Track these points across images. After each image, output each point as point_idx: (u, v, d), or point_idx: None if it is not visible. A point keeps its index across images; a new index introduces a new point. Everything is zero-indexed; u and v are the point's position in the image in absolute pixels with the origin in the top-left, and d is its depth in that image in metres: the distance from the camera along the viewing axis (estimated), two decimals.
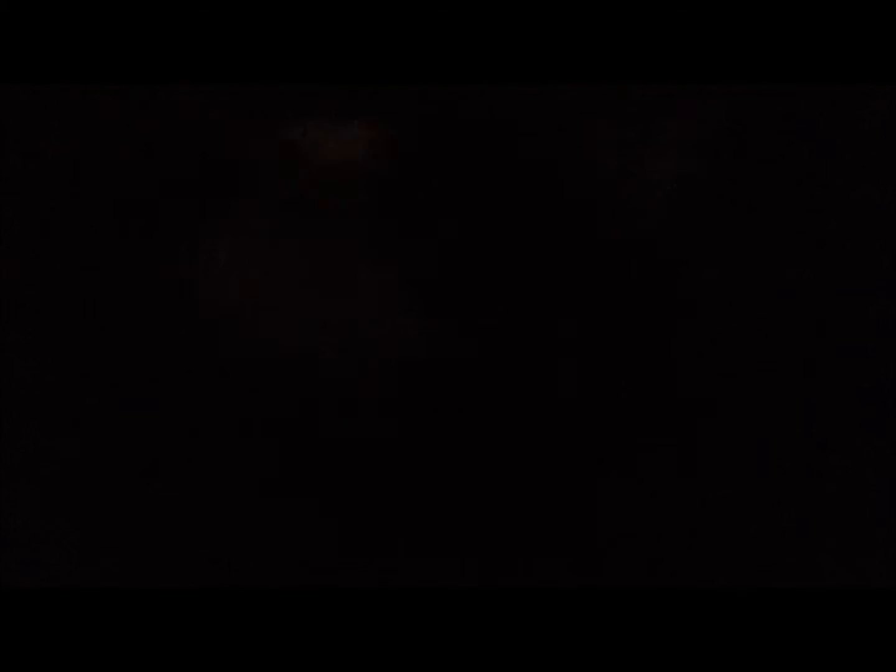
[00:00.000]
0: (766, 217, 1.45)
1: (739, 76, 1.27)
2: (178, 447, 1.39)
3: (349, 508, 1.36)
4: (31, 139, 1.37)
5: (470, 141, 1.38)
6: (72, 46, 1.25)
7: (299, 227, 1.38)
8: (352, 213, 1.37)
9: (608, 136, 1.42)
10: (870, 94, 1.38)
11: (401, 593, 1.26)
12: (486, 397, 1.41)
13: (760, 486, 1.39)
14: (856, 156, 1.41)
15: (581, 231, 1.41)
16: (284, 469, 1.34)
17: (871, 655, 1.17)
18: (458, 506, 1.37)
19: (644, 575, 1.34)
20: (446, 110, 1.36)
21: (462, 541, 1.36)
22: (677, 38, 1.26)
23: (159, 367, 1.43)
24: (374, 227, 1.36)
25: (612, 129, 1.42)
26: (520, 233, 1.41)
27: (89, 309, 1.42)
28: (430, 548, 1.35)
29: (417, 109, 1.36)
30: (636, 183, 1.48)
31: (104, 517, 1.37)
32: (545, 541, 1.38)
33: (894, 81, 1.30)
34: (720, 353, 1.44)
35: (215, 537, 1.34)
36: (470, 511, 1.37)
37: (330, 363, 1.37)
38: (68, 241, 1.43)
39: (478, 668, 1.21)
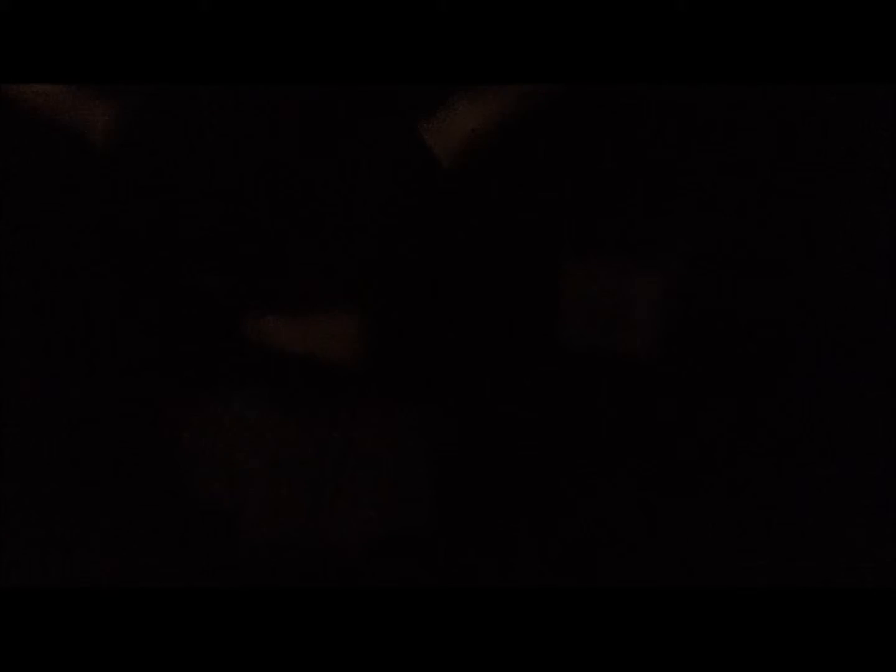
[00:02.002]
0: (765, 217, 1.45)
1: (738, 76, 1.27)
2: (180, 447, 1.39)
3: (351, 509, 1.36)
4: (31, 139, 1.37)
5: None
6: (72, 46, 1.25)
7: None
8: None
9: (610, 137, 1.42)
10: (870, 94, 1.38)
11: (399, 594, 1.26)
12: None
13: (760, 486, 1.39)
14: (856, 156, 1.41)
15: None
16: (283, 469, 1.34)
17: (871, 655, 1.17)
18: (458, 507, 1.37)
19: (644, 575, 1.34)
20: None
21: (463, 541, 1.36)
22: (677, 38, 1.25)
23: (161, 369, 1.43)
24: None
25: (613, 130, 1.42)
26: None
27: (90, 309, 1.42)
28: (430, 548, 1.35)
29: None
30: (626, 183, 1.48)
31: (104, 517, 1.37)
32: (546, 541, 1.38)
33: (894, 81, 1.30)
34: (721, 353, 1.44)
35: (216, 538, 1.34)
36: (470, 511, 1.37)
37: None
38: (68, 242, 1.43)
39: (477, 668, 1.21)
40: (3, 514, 1.34)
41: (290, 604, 1.24)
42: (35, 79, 1.28)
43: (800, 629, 1.20)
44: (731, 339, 1.42)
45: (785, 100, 1.40)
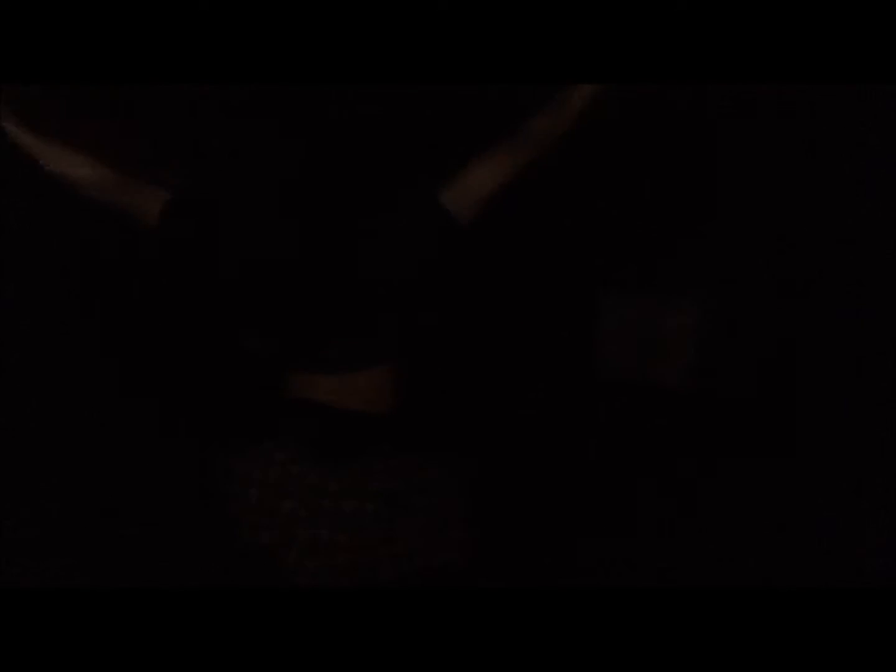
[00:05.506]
0: (765, 217, 1.45)
1: (738, 76, 1.27)
2: (180, 449, 1.39)
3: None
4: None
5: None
6: (73, 46, 1.25)
7: None
8: None
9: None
10: (870, 94, 1.38)
11: (396, 593, 1.26)
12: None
13: (761, 486, 1.39)
14: (856, 156, 1.41)
15: None
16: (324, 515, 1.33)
17: (872, 655, 1.17)
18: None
19: (643, 575, 1.34)
20: None
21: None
22: (676, 37, 1.25)
23: (163, 369, 1.43)
24: None
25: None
26: None
27: (91, 309, 1.42)
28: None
29: None
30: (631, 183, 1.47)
31: (103, 518, 1.37)
32: (545, 540, 1.38)
33: (894, 81, 1.30)
34: (720, 355, 1.44)
35: (215, 538, 1.34)
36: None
37: None
38: (68, 243, 1.43)
39: (478, 668, 1.21)
40: (3, 515, 1.34)
41: (289, 605, 1.24)
42: (35, 79, 1.28)
43: (800, 629, 1.20)
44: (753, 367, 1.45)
45: (785, 100, 1.40)
